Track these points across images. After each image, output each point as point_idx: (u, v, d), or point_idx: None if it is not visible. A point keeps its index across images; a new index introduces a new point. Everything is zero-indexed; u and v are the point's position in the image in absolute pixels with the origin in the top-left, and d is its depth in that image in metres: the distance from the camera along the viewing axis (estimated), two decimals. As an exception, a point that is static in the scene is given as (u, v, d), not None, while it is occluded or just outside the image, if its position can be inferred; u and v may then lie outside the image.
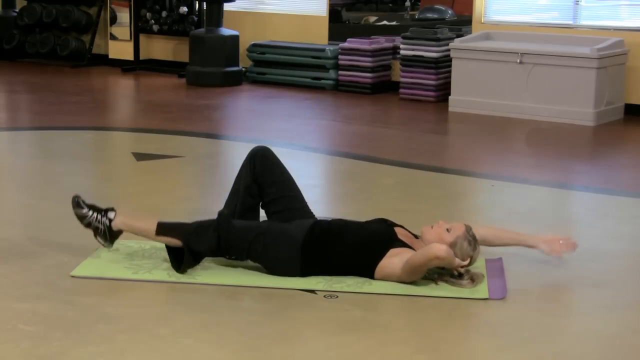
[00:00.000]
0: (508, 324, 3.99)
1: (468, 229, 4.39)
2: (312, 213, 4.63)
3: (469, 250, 4.34)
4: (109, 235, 4.55)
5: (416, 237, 4.48)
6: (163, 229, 4.46)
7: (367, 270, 4.35)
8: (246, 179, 4.61)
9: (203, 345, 3.71)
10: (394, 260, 4.28)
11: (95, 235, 4.57)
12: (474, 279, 4.31)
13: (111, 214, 4.54)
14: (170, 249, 4.48)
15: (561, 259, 4.64)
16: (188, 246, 4.39)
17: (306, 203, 4.68)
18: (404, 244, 4.36)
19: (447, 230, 4.36)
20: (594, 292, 4.37)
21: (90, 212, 4.54)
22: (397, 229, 4.47)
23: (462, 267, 4.29)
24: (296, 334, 3.86)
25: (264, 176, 4.59)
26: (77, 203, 4.56)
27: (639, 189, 6.37)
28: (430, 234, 4.38)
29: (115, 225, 4.54)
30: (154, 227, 4.46)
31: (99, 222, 4.53)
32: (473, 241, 4.36)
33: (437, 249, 4.18)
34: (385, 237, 4.39)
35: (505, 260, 4.68)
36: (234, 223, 4.43)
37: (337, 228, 4.45)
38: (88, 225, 4.55)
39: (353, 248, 4.38)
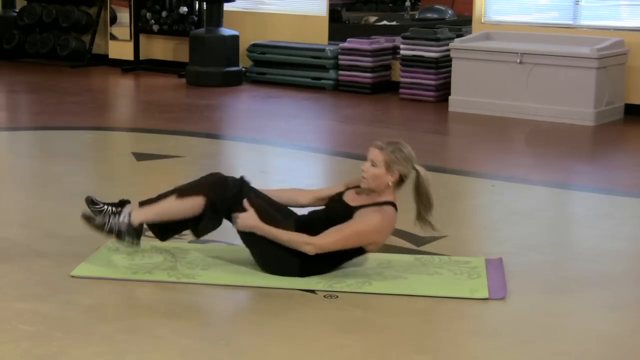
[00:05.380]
0: (508, 324, 3.99)
1: (376, 148, 4.49)
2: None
3: (398, 154, 4.46)
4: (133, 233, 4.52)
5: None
6: (181, 192, 4.47)
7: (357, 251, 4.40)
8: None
9: (203, 345, 3.71)
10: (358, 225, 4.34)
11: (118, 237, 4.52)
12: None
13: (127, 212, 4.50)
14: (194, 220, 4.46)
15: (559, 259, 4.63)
16: (212, 201, 4.38)
17: None
18: (360, 207, 4.39)
19: (373, 165, 4.45)
20: (594, 292, 4.37)
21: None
22: (345, 197, 4.50)
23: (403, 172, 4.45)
24: (296, 334, 3.86)
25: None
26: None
27: (639, 188, 6.37)
28: (374, 185, 4.43)
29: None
30: (172, 195, 4.48)
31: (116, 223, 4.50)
32: (389, 149, 4.46)
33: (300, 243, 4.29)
34: (344, 214, 4.40)
35: (505, 260, 4.68)
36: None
37: (316, 220, 4.47)
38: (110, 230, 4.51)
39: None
